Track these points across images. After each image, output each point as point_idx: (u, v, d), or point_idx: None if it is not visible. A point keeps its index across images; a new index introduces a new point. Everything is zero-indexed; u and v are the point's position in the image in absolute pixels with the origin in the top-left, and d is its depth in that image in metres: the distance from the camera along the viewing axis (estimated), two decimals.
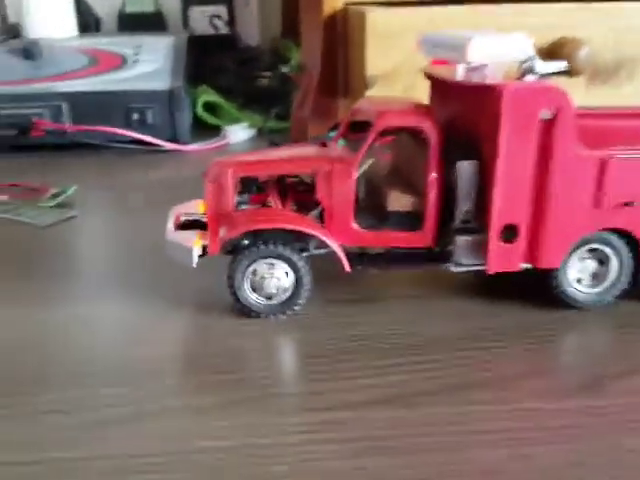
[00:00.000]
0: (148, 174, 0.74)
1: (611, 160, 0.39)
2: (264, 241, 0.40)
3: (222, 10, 1.12)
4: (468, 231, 0.40)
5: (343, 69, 0.86)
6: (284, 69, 0.93)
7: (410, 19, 0.72)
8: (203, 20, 1.11)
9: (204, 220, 0.42)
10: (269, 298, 0.41)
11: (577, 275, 0.42)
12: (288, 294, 0.41)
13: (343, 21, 0.85)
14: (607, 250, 0.41)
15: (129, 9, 1.11)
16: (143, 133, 0.81)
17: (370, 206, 0.42)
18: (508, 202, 0.39)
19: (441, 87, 0.45)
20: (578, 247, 0.41)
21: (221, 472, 0.29)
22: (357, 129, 0.44)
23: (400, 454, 0.30)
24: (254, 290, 0.41)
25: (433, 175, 0.40)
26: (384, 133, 0.41)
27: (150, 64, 0.88)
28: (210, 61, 1.03)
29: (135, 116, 0.82)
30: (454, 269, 0.41)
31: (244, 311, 0.41)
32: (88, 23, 1.06)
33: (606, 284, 0.42)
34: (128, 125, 0.82)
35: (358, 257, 0.42)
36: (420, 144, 0.41)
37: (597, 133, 0.43)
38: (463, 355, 0.37)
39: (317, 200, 0.41)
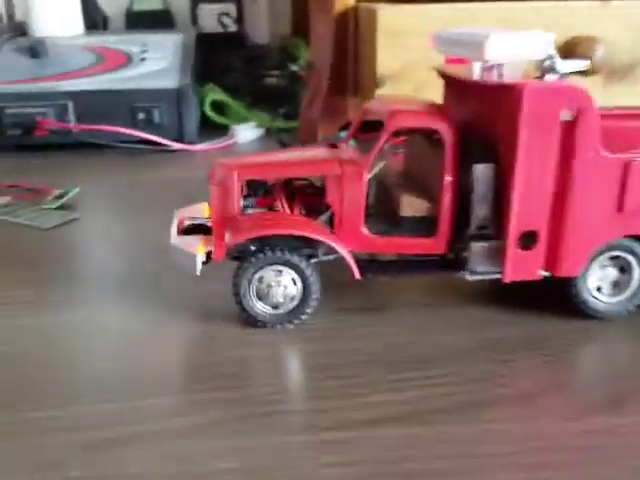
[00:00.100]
0: (154, 175, 0.73)
1: (634, 163, 0.37)
2: (271, 247, 0.38)
3: (231, 8, 1.10)
4: (484, 237, 0.39)
5: (353, 68, 0.85)
6: (293, 68, 0.92)
7: (422, 17, 0.70)
8: (211, 18, 1.10)
9: (209, 224, 0.41)
10: (276, 307, 0.39)
11: (597, 283, 0.40)
12: (295, 303, 0.39)
13: (354, 19, 0.83)
14: (629, 258, 0.39)
15: (137, 7, 1.09)
16: (149, 133, 0.80)
17: (382, 211, 0.41)
18: (527, 207, 0.37)
19: (456, 86, 0.43)
20: (599, 254, 0.39)
21: None
22: (369, 129, 0.42)
23: (411, 478, 0.28)
24: (260, 298, 0.39)
25: (448, 178, 0.38)
26: (396, 134, 0.40)
27: (157, 62, 0.86)
28: (218, 59, 1.02)
29: (141, 115, 0.81)
30: (469, 277, 0.39)
31: (249, 320, 0.39)
32: (96, 21, 1.04)
33: (628, 293, 0.40)
34: (134, 124, 0.80)
35: (369, 264, 0.40)
36: (434, 146, 0.40)
37: (618, 134, 0.41)
38: (478, 369, 0.36)
39: (326, 204, 0.39)
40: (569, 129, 0.36)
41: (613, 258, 0.39)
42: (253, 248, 0.39)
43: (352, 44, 0.84)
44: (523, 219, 0.37)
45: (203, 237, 0.40)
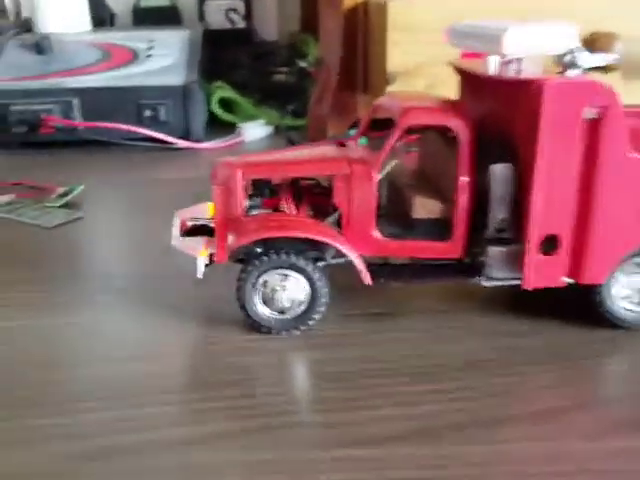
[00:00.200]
0: (160, 173, 0.71)
1: None
2: (276, 250, 0.36)
3: (239, 4, 1.09)
4: (502, 241, 0.37)
5: (363, 64, 0.83)
6: (302, 64, 0.90)
7: (436, 10, 0.68)
8: (219, 14, 1.08)
9: (212, 225, 0.39)
10: (281, 312, 0.37)
11: (624, 291, 0.38)
12: (302, 308, 0.37)
13: (364, 13, 0.81)
14: None
15: (144, 3, 1.08)
16: (155, 130, 0.79)
17: (393, 212, 0.39)
18: (548, 210, 0.35)
19: (472, 82, 0.41)
20: (626, 261, 0.37)
21: None
22: (380, 127, 0.40)
23: None
24: (265, 303, 0.37)
25: (464, 178, 0.36)
26: (409, 131, 0.38)
27: (163, 59, 0.85)
28: (226, 56, 1.00)
29: (147, 113, 0.79)
30: (486, 283, 0.37)
31: (254, 326, 0.38)
32: (103, 18, 1.03)
33: None
34: (140, 122, 0.79)
35: (379, 268, 0.38)
36: (449, 144, 0.38)
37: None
38: (494, 382, 0.34)
39: (335, 205, 0.38)
40: (593, 128, 0.34)
41: None
42: (259, 250, 0.37)
43: (362, 40, 0.82)
44: (544, 222, 0.35)
45: (206, 239, 0.39)
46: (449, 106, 0.38)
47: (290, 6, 1.16)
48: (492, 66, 0.37)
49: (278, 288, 0.37)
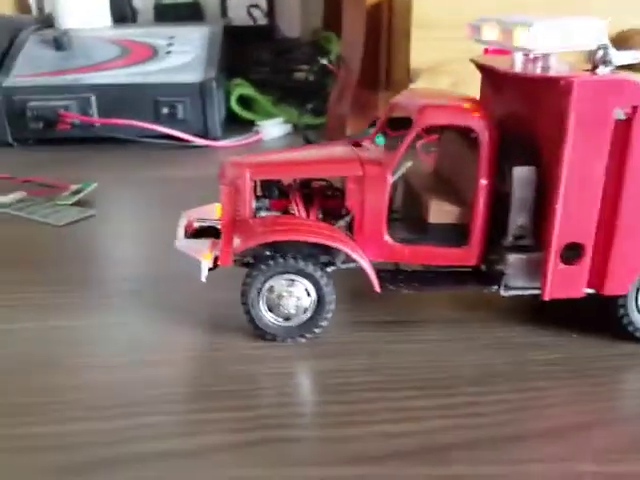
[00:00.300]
0: (175, 171, 0.70)
1: None
2: (283, 254, 0.35)
3: (261, 0, 1.07)
4: (522, 249, 0.35)
5: (386, 61, 0.81)
6: (323, 61, 0.88)
7: (460, 7, 0.66)
8: (241, 10, 1.07)
9: (219, 227, 0.38)
10: (287, 319, 0.36)
11: None
12: (308, 315, 0.36)
13: (387, 10, 0.80)
14: None
15: (166, 0, 1.07)
16: (172, 128, 0.78)
17: (407, 216, 0.37)
18: (572, 216, 0.33)
19: (495, 80, 0.39)
20: None
21: None
22: (400, 126, 0.38)
23: None
24: (270, 309, 0.36)
25: (483, 181, 0.34)
26: (429, 131, 0.36)
27: (183, 55, 0.84)
28: (247, 53, 0.99)
29: (165, 110, 0.78)
30: (504, 292, 0.35)
31: (258, 333, 0.36)
32: (124, 14, 1.03)
33: None
34: (157, 119, 0.78)
35: (391, 275, 0.36)
36: (468, 145, 0.36)
37: None
38: (507, 398, 0.32)
39: (346, 208, 0.36)
40: (623, 129, 0.32)
41: None
42: (268, 253, 0.36)
43: (385, 36, 0.80)
44: (567, 230, 0.33)
45: (212, 241, 0.37)
46: (469, 105, 0.36)
47: (313, 3, 1.15)
48: (517, 63, 0.35)
49: (284, 294, 0.35)
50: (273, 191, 0.38)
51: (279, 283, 0.35)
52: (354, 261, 0.35)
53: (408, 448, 0.28)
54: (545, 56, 0.34)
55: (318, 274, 0.35)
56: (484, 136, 0.34)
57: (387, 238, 0.36)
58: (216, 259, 0.36)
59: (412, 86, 0.77)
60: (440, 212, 0.36)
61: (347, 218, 0.37)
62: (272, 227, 0.36)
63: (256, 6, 1.07)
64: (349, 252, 0.35)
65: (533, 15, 0.35)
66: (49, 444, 0.29)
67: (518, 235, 0.35)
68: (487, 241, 0.35)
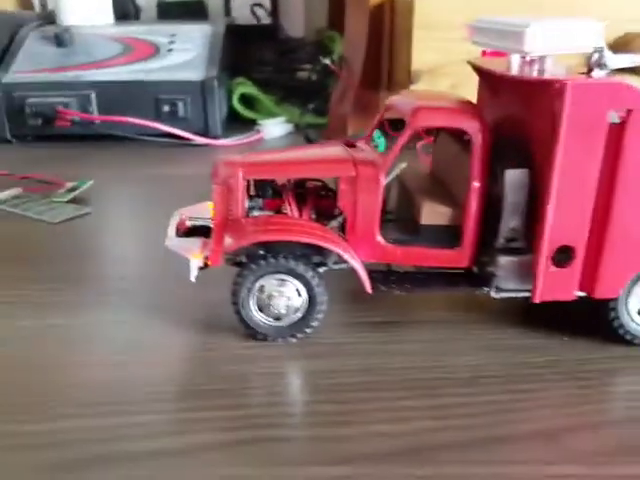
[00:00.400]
0: (174, 169, 0.70)
1: None
2: (274, 254, 0.35)
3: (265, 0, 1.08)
4: (513, 251, 0.35)
5: (388, 61, 0.81)
6: (325, 61, 0.88)
7: (461, 8, 0.66)
8: (245, 9, 1.07)
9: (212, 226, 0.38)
10: (277, 319, 0.36)
11: (639, 306, 0.35)
12: (299, 315, 0.36)
13: (390, 10, 0.79)
14: None
15: None
16: (173, 126, 0.78)
17: (399, 218, 0.37)
18: (564, 219, 0.33)
19: (491, 82, 0.39)
20: None
21: None
22: (401, 126, 0.38)
23: None
24: (261, 309, 0.36)
25: (475, 184, 0.34)
26: (426, 133, 0.36)
27: (184, 53, 0.84)
28: (250, 52, 0.99)
29: (165, 108, 0.79)
30: (495, 294, 0.35)
31: (250, 332, 0.36)
32: (127, 12, 1.03)
33: None
34: (158, 117, 0.78)
35: (383, 275, 0.36)
36: (462, 147, 0.36)
37: None
38: (497, 399, 0.32)
39: (339, 208, 0.36)
40: (617, 133, 0.32)
41: None
42: (261, 252, 0.36)
43: (387, 37, 0.80)
44: (559, 232, 0.33)
45: (202, 240, 0.37)
46: (463, 107, 0.36)
47: (317, 2, 1.15)
48: (514, 65, 0.35)
49: (275, 294, 0.35)
50: (267, 191, 0.37)
51: (270, 283, 0.35)
52: (346, 262, 0.35)
53: (399, 448, 0.28)
54: (542, 58, 0.34)
55: (309, 274, 0.35)
56: (477, 138, 0.34)
57: (379, 239, 0.36)
58: (206, 259, 0.36)
59: (413, 87, 0.77)
60: (432, 213, 0.36)
61: (340, 219, 0.36)
62: (264, 227, 0.36)
63: (260, 5, 1.07)
64: (341, 253, 0.35)
65: (532, 17, 0.35)
66: (42, 442, 0.29)
67: (510, 237, 0.34)
68: (479, 243, 0.35)
